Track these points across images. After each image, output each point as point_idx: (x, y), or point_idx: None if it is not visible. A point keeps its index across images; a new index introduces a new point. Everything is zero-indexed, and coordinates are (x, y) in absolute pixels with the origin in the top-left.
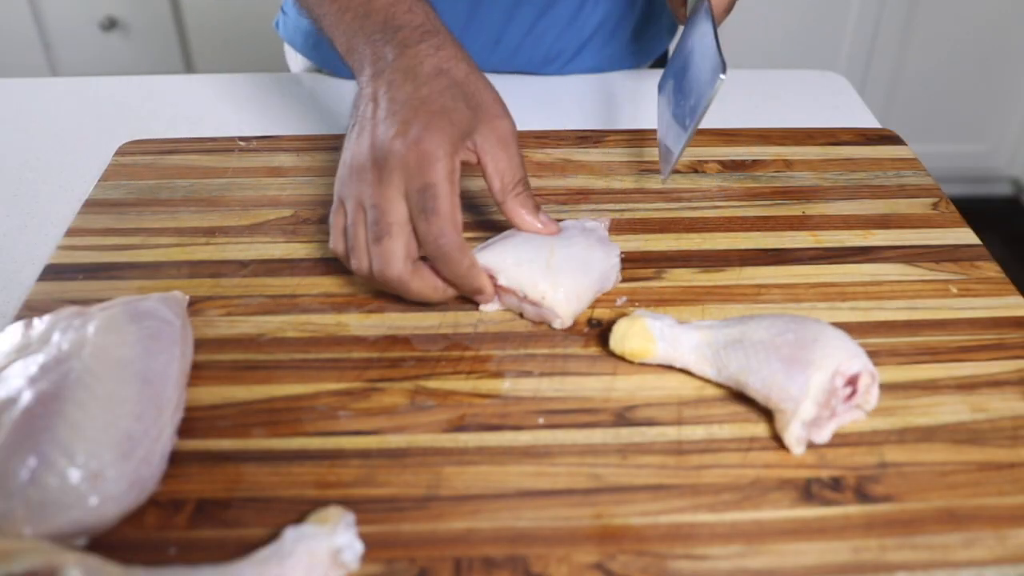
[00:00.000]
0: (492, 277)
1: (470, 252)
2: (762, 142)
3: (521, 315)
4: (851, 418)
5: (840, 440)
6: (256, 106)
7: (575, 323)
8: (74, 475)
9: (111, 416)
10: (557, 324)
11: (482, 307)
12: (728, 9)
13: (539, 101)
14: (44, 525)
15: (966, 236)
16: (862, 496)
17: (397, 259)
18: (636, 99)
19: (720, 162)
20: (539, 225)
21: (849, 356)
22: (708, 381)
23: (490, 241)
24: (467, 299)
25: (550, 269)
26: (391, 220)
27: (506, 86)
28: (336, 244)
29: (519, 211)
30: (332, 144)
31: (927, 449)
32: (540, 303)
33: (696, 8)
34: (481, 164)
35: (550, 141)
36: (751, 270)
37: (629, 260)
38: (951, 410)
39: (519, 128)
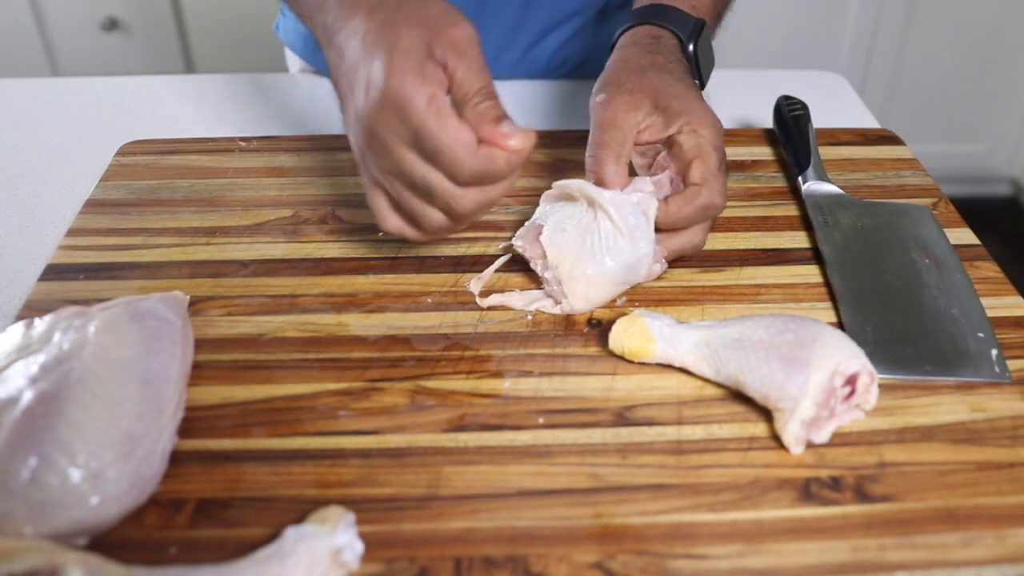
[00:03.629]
0: (539, 226)
1: (485, 148)
2: (762, 142)
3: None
4: (850, 418)
5: (839, 440)
6: (256, 106)
7: (575, 323)
8: (75, 475)
9: (112, 416)
10: (560, 309)
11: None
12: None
13: (543, 104)
14: (45, 524)
15: (965, 236)
16: (861, 496)
17: (457, 198)
18: None
19: None
20: (502, 139)
21: (848, 356)
22: (708, 381)
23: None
24: (465, 299)
25: (583, 248)
26: (418, 175)
27: (511, 89)
28: (389, 223)
29: (479, 123)
30: (332, 144)
31: (926, 449)
32: (557, 282)
33: None
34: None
35: (549, 141)
36: (751, 270)
37: None
38: (950, 410)
39: (539, 128)
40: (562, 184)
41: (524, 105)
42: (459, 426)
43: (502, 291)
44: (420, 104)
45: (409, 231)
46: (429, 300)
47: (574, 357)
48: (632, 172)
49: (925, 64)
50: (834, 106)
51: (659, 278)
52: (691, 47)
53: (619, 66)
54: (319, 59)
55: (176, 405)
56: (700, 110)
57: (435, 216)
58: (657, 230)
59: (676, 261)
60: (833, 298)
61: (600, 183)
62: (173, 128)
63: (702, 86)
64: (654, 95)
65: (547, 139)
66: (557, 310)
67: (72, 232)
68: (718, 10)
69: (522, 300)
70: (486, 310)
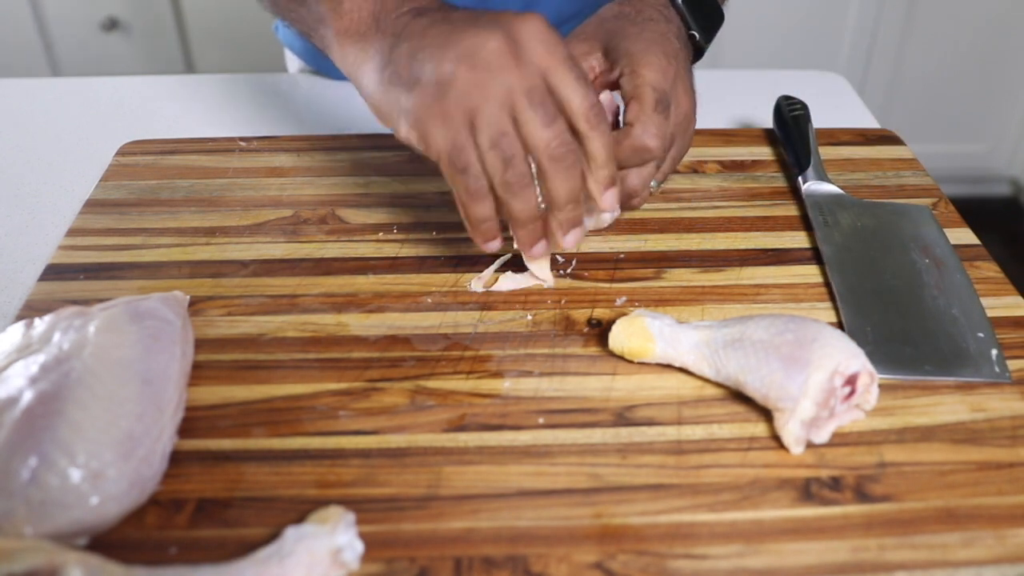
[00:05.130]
0: None
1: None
2: (762, 142)
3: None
4: (850, 418)
5: (839, 440)
6: (256, 106)
7: (575, 323)
8: (75, 475)
9: (112, 416)
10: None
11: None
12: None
13: None
14: (45, 524)
15: (965, 236)
16: (861, 496)
17: (569, 170)
18: None
19: (720, 162)
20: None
21: (848, 356)
22: (708, 381)
23: None
24: (465, 299)
25: None
26: (537, 131)
27: None
28: (484, 228)
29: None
30: (332, 144)
31: (926, 449)
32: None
33: None
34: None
35: None
36: (751, 270)
37: (629, 260)
38: (950, 410)
39: None
40: None
41: None
42: (459, 426)
43: (502, 290)
44: (556, 37)
45: (496, 215)
46: (429, 300)
47: (574, 357)
48: None
49: (925, 64)
50: (834, 106)
51: (659, 278)
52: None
53: (586, 21)
54: (319, 60)
55: (176, 405)
56: (644, 51)
57: (530, 197)
58: None
59: (676, 261)
60: (833, 298)
61: None
62: (173, 128)
63: (706, 40)
64: (606, 40)
65: None
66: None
67: (72, 232)
68: None
69: (513, 281)
70: (486, 310)
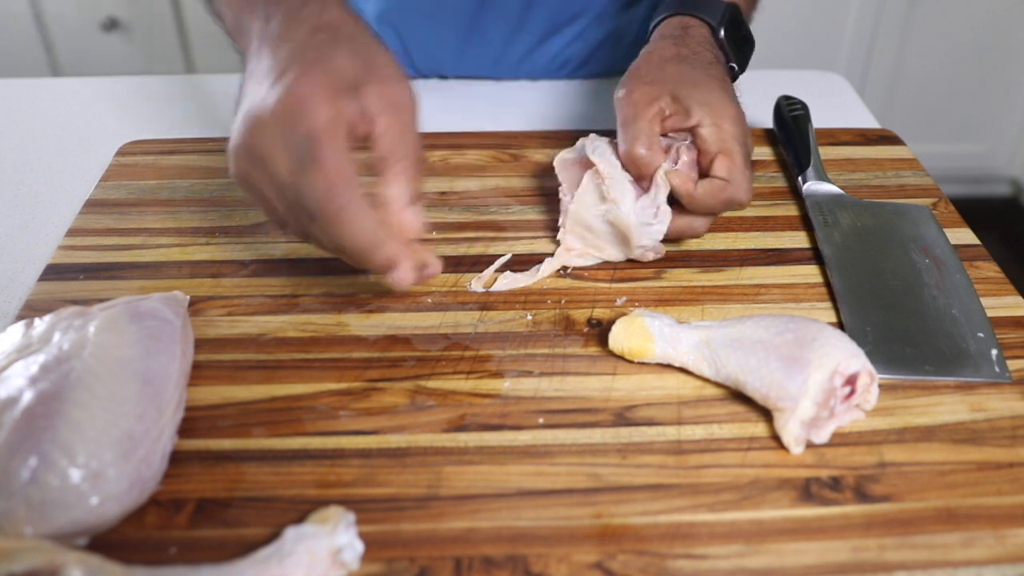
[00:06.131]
0: (590, 161)
1: (372, 213)
2: (762, 142)
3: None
4: (850, 418)
5: (839, 440)
6: None
7: (575, 323)
8: (75, 475)
9: (112, 416)
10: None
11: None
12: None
13: (544, 104)
14: (45, 524)
15: (965, 236)
16: (861, 496)
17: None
18: None
19: None
20: (400, 215)
21: (848, 356)
22: (708, 381)
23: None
24: (465, 299)
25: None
26: (289, 193)
27: (512, 90)
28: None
29: (389, 187)
30: None
31: (926, 449)
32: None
33: None
34: (370, 130)
35: (550, 141)
36: (751, 270)
37: (629, 259)
38: (950, 410)
39: (540, 129)
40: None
41: (524, 106)
42: (459, 426)
43: (502, 290)
44: (323, 113)
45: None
46: (429, 300)
47: (574, 357)
48: None
49: (925, 64)
50: (834, 106)
51: (659, 278)
52: (721, 33)
53: (642, 59)
54: None
55: (176, 405)
56: (720, 101)
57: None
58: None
59: (676, 261)
60: (833, 298)
61: (633, 164)
62: (173, 128)
63: (742, 70)
64: (674, 85)
65: (548, 138)
66: (555, 263)
67: (72, 232)
68: None
69: (512, 281)
70: (486, 310)
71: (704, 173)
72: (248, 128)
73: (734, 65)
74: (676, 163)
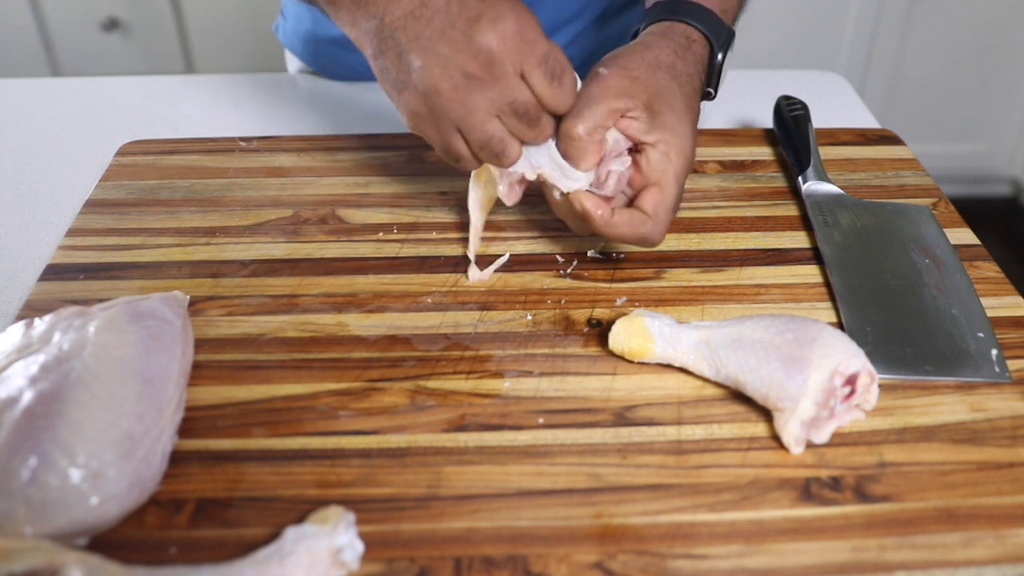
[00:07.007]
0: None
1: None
2: (762, 142)
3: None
4: (850, 418)
5: (839, 440)
6: (256, 106)
7: (575, 323)
8: (75, 475)
9: (112, 416)
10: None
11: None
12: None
13: None
14: (45, 524)
15: (965, 236)
16: (861, 496)
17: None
18: None
19: (720, 162)
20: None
21: (848, 356)
22: (708, 381)
23: None
24: (465, 299)
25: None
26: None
27: None
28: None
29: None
30: (332, 144)
31: (926, 449)
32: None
33: None
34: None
35: None
36: (751, 270)
37: (629, 260)
38: (950, 410)
39: None
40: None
41: None
42: (459, 426)
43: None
44: (545, 41)
45: (499, 159)
46: (429, 300)
47: (574, 357)
48: None
49: (925, 64)
50: (834, 106)
51: (659, 278)
52: (720, 57)
53: (638, 52)
54: (319, 61)
55: (176, 405)
56: (683, 134)
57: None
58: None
59: (676, 261)
60: (833, 298)
61: (566, 139)
62: (173, 128)
63: (713, 95)
64: (654, 96)
65: None
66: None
67: (72, 232)
68: (738, 11)
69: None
70: (486, 310)
71: (631, 197)
72: (482, 65)
73: (711, 90)
74: (605, 176)
